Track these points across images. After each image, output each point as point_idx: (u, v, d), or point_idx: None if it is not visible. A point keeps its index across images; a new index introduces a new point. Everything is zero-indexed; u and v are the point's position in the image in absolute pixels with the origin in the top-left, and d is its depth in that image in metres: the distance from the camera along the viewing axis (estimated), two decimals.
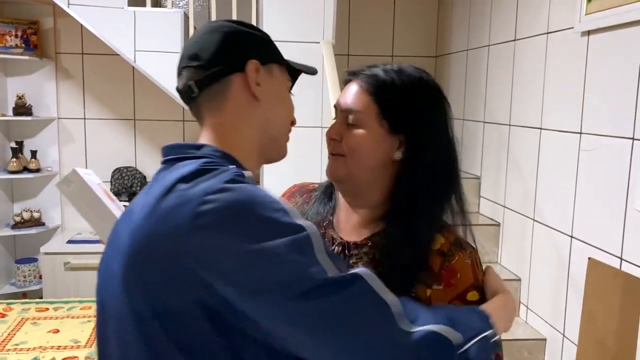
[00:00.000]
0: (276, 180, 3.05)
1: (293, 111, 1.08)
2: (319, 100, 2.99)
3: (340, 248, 1.06)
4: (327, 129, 1.10)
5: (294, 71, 1.09)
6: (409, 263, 0.99)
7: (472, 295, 1.00)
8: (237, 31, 1.03)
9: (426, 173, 1.03)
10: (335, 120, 1.09)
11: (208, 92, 0.99)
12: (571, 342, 2.21)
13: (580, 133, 2.17)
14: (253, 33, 1.05)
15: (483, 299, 1.00)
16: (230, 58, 1.00)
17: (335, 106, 1.10)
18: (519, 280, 2.63)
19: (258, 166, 1.06)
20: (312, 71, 1.12)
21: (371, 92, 1.03)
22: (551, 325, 2.38)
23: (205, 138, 0.99)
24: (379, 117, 1.03)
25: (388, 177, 1.05)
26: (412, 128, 1.03)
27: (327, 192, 1.16)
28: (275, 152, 1.08)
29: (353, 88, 1.06)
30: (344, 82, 1.11)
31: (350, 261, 1.04)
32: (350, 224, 1.09)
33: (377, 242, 1.04)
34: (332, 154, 1.07)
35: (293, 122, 1.09)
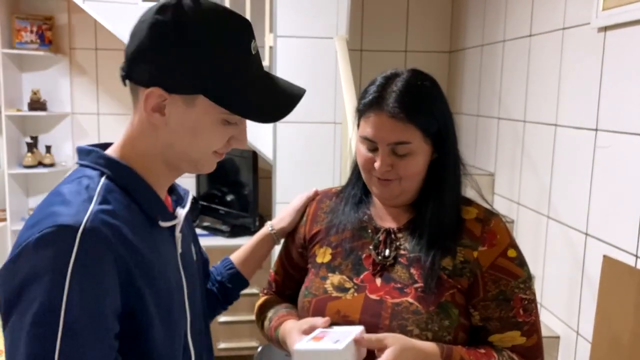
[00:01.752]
0: (289, 176, 3.05)
1: (219, 143, 0.93)
2: (333, 96, 2.98)
3: (385, 235, 1.18)
4: (360, 159, 1.16)
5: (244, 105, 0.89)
6: (447, 231, 1.13)
7: (511, 252, 1.13)
8: (159, 35, 0.86)
9: (452, 158, 1.16)
10: (367, 150, 1.14)
11: (129, 85, 0.92)
12: (585, 339, 2.20)
13: (596, 130, 2.15)
14: (183, 43, 0.85)
15: (519, 255, 1.15)
16: (137, 68, 0.89)
17: (368, 138, 1.12)
18: (533, 277, 2.61)
19: (173, 174, 0.99)
20: (267, 118, 0.92)
21: (409, 119, 1.08)
22: (565, 323, 2.36)
23: (122, 134, 0.96)
24: (424, 137, 1.11)
25: (424, 175, 1.16)
26: (444, 128, 1.13)
27: (356, 197, 1.26)
28: (192, 169, 0.98)
29: (385, 120, 1.09)
30: (360, 114, 1.14)
31: (398, 243, 1.17)
32: (389, 215, 1.21)
33: (416, 223, 1.17)
34: (384, 180, 1.14)
35: (219, 153, 0.96)
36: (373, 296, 1.12)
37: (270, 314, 1.28)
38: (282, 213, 1.35)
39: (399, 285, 1.12)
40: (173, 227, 0.99)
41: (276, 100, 0.92)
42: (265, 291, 1.39)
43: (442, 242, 1.13)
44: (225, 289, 1.31)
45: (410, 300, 1.09)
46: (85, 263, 0.78)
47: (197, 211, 3.77)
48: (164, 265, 0.94)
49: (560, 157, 2.43)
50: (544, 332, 2.49)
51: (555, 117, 2.47)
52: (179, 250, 1.00)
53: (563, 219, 2.39)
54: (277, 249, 1.41)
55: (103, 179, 0.89)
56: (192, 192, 3.84)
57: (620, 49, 2.03)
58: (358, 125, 1.15)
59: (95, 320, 0.79)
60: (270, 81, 0.94)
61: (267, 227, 1.35)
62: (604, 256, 2.05)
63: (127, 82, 0.91)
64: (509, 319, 1.11)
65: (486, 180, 3.11)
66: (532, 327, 1.13)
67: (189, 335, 1.01)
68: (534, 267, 2.64)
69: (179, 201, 1.06)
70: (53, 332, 0.76)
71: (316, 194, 1.32)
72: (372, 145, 1.12)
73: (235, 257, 1.35)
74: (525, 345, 1.12)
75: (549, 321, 2.49)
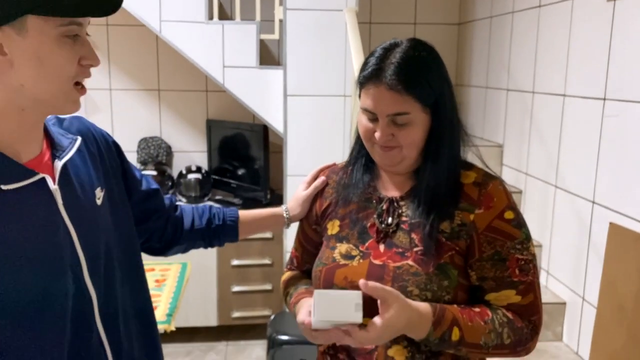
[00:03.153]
0: (300, 148, 3.09)
1: (71, 66, 0.92)
2: (342, 69, 3.00)
3: (388, 203, 1.23)
4: (361, 128, 1.20)
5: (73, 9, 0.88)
6: (446, 195, 1.17)
7: (509, 214, 1.16)
8: None
9: (449, 126, 1.18)
10: (367, 120, 1.18)
11: None
12: (591, 305, 2.25)
13: (604, 99, 2.17)
14: None
15: (517, 217, 1.16)
16: None
17: (368, 110, 1.17)
18: (540, 246, 2.66)
19: (33, 123, 0.96)
20: (94, 8, 0.91)
21: (407, 91, 1.12)
22: (571, 290, 2.41)
23: None
24: (422, 107, 1.14)
25: (424, 142, 1.19)
26: (440, 98, 1.16)
27: (361, 169, 1.30)
28: (53, 109, 0.97)
29: (384, 92, 1.13)
30: (360, 86, 1.19)
31: (400, 210, 1.21)
32: (392, 184, 1.26)
33: (416, 190, 1.20)
34: (386, 147, 1.18)
35: (79, 83, 0.94)
36: (377, 261, 1.19)
37: (291, 290, 1.37)
38: (293, 202, 1.42)
39: (400, 250, 1.18)
40: (43, 181, 0.96)
41: None
42: (288, 267, 1.48)
43: (440, 207, 1.17)
44: (216, 235, 1.41)
45: (411, 263, 1.15)
46: None
47: (210, 184, 3.83)
48: (21, 226, 0.92)
49: (569, 127, 2.46)
50: (551, 299, 2.55)
51: (563, 87, 2.49)
52: (60, 201, 0.98)
53: (570, 188, 2.43)
54: (293, 226, 1.48)
55: None
56: (204, 166, 3.90)
57: (630, 18, 2.04)
58: (359, 96, 1.20)
59: None
60: None
61: (282, 208, 1.44)
62: (610, 223, 2.08)
63: None
64: (504, 279, 1.15)
65: (495, 152, 3.13)
66: (528, 287, 1.16)
67: (86, 278, 1.01)
68: (541, 235, 2.68)
69: (59, 153, 1.02)
70: None
71: (324, 182, 1.38)
72: (372, 115, 1.17)
73: (243, 217, 1.44)
74: (521, 304, 1.16)
75: (556, 288, 2.54)
